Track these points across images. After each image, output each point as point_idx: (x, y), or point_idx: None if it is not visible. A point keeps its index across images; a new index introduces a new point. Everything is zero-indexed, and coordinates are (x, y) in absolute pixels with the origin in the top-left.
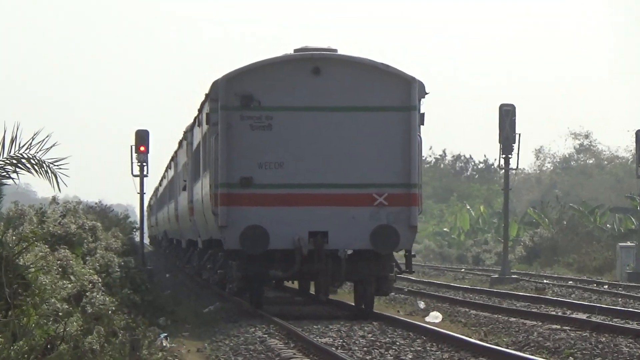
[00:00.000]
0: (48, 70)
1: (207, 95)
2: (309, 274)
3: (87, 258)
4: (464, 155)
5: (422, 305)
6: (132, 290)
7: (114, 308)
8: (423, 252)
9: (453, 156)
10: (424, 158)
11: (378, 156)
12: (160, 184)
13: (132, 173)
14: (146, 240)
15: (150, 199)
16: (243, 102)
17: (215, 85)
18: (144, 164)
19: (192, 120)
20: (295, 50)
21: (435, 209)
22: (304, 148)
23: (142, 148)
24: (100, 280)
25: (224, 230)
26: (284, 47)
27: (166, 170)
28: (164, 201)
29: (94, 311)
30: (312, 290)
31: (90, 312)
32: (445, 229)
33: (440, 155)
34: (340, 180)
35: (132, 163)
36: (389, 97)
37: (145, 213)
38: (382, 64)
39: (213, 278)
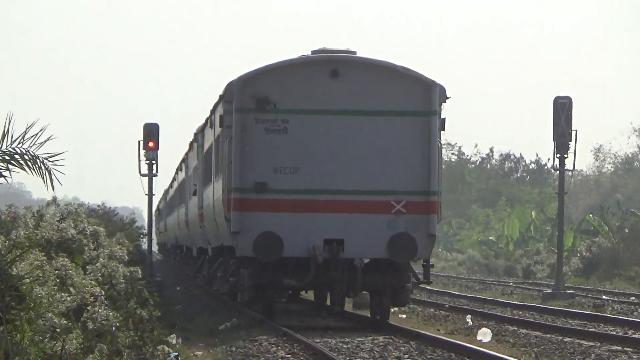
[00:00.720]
0: (46, 59)
1: (221, 97)
2: (324, 283)
3: (89, 267)
4: (514, 155)
5: (469, 321)
6: (139, 305)
7: (118, 324)
8: (467, 264)
9: (501, 155)
10: (468, 157)
11: (396, 162)
12: (170, 186)
13: (139, 172)
14: (155, 248)
15: (159, 202)
16: (258, 104)
17: (230, 86)
18: (153, 161)
19: (203, 121)
20: (313, 52)
21: (480, 214)
22: (321, 153)
23: (151, 144)
24: (103, 292)
25: (237, 236)
26: (301, 48)
27: (177, 172)
28: (174, 205)
29: (96, 327)
30: (328, 301)
31: (91, 328)
32: (491, 238)
33: (486, 155)
34: (357, 187)
35: (139, 161)
36: (408, 102)
37: (154, 217)
38: (402, 67)
39: (223, 288)
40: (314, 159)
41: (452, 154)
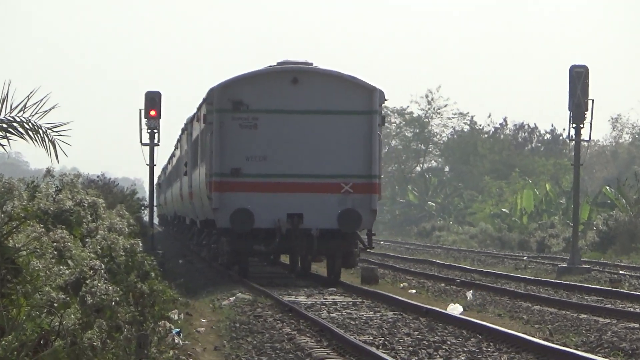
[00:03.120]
0: (44, 25)
1: (204, 100)
2: (287, 249)
3: (87, 240)
4: (528, 125)
5: (469, 296)
6: (140, 278)
7: (118, 299)
8: (479, 237)
9: (515, 125)
10: (481, 127)
11: (345, 152)
12: (169, 163)
13: (140, 141)
14: (156, 220)
15: (159, 176)
16: (234, 105)
17: (211, 91)
18: (155, 130)
19: (192, 114)
20: (278, 63)
21: (493, 186)
22: (284, 144)
23: (152, 112)
24: (102, 266)
25: (217, 212)
26: (270, 59)
27: (175, 149)
28: (173, 180)
29: (95, 302)
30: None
31: (90, 303)
32: (504, 210)
33: (500, 125)
34: (314, 172)
35: (140, 130)
36: (354, 103)
37: (155, 190)
38: (349, 75)
39: (209, 254)
40: (279, 149)
41: (464, 123)
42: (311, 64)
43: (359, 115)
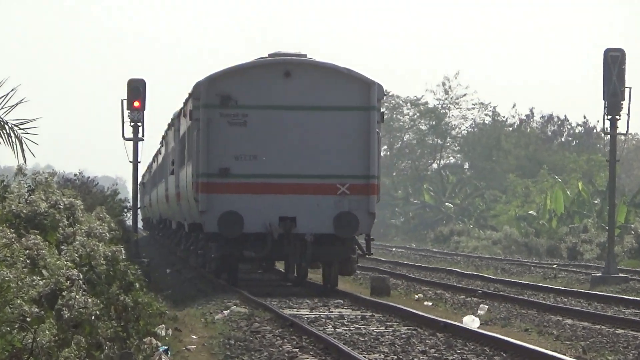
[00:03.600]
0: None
1: (190, 94)
2: (279, 255)
3: (64, 247)
4: (558, 116)
5: (482, 311)
6: (123, 290)
7: (98, 312)
8: (502, 243)
9: (543, 117)
10: (504, 119)
11: (341, 150)
12: (154, 160)
13: (123, 136)
14: (140, 224)
15: (144, 175)
16: (222, 101)
17: (197, 85)
18: (139, 123)
19: (179, 109)
20: (270, 55)
21: (518, 186)
22: (276, 142)
23: (136, 103)
24: (80, 276)
25: (204, 215)
26: (260, 50)
27: (160, 146)
28: (159, 179)
29: (73, 316)
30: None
31: (67, 317)
32: (531, 212)
33: (526, 116)
34: (308, 172)
35: (123, 123)
36: (351, 98)
37: (139, 190)
38: (345, 68)
39: (197, 261)
40: (270, 147)
41: (486, 114)
42: (305, 55)
43: (356, 111)
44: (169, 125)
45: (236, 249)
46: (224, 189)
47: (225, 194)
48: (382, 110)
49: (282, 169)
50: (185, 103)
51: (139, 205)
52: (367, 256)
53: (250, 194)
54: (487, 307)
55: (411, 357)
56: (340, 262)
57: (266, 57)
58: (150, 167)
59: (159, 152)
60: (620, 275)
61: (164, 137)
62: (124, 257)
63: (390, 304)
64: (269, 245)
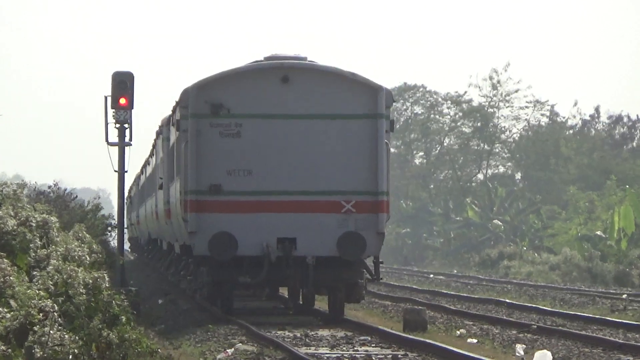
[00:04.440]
0: None
1: (177, 102)
2: (278, 280)
3: (36, 272)
4: (628, 116)
5: (521, 351)
6: (106, 324)
7: (76, 351)
8: (562, 268)
9: (610, 117)
10: (564, 120)
11: (346, 163)
12: (142, 172)
13: (106, 140)
14: (126, 245)
15: (130, 189)
16: (213, 110)
17: (185, 93)
18: (126, 125)
19: (168, 115)
20: (266, 58)
21: (581, 200)
22: (273, 155)
23: (122, 100)
24: (55, 307)
25: (193, 236)
26: (255, 53)
27: (151, 154)
28: (148, 192)
29: (46, 355)
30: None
31: (39, 356)
32: (597, 233)
33: (590, 117)
34: (309, 188)
35: (106, 124)
36: (356, 105)
37: (125, 206)
38: (350, 72)
39: (188, 286)
40: (266, 161)
41: (542, 114)
42: (305, 58)
43: (363, 120)
44: (157, 134)
45: (230, 274)
46: (216, 208)
47: (217, 213)
48: (391, 119)
49: (280, 185)
50: (173, 111)
51: (125, 223)
52: (375, 280)
53: (244, 213)
54: (524, 346)
55: None
56: (347, 288)
57: (262, 61)
58: (138, 179)
59: (147, 161)
60: None
61: (154, 146)
62: (107, 285)
63: (427, 341)
64: (266, 270)
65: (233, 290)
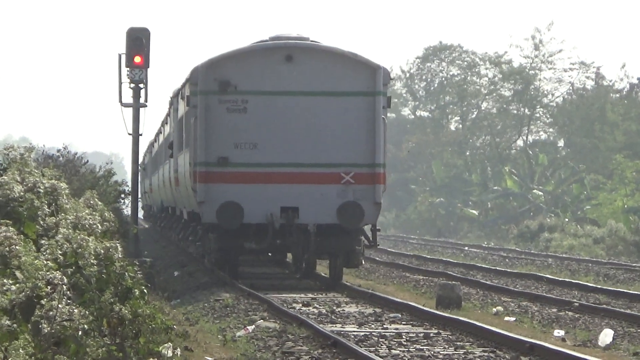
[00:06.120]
0: None
1: (187, 79)
2: (281, 246)
3: (44, 241)
4: None
5: (608, 337)
6: (118, 298)
7: (86, 327)
8: (606, 242)
9: None
10: (611, 83)
11: (345, 138)
12: (155, 140)
13: (120, 100)
14: (140, 213)
15: (144, 155)
16: (221, 87)
17: (195, 71)
18: (141, 85)
19: (179, 87)
20: (271, 38)
21: (628, 169)
22: (277, 130)
23: (137, 59)
24: (64, 279)
25: (202, 205)
26: (261, 34)
27: (164, 122)
28: (161, 159)
29: (54, 331)
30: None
31: (47, 332)
32: None
33: (638, 79)
34: (310, 160)
35: (120, 84)
36: (355, 83)
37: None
38: (350, 52)
39: (196, 251)
40: (270, 135)
41: (587, 77)
42: (307, 38)
43: (361, 97)
44: (170, 103)
45: (236, 240)
46: (223, 179)
47: (224, 183)
48: (388, 96)
49: (284, 157)
50: (183, 86)
51: (139, 191)
52: (372, 247)
53: (250, 184)
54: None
55: None
56: (345, 254)
57: (267, 41)
58: (151, 145)
59: (160, 130)
60: None
61: (167, 115)
62: (120, 256)
63: (462, 319)
64: (270, 237)
65: (239, 256)
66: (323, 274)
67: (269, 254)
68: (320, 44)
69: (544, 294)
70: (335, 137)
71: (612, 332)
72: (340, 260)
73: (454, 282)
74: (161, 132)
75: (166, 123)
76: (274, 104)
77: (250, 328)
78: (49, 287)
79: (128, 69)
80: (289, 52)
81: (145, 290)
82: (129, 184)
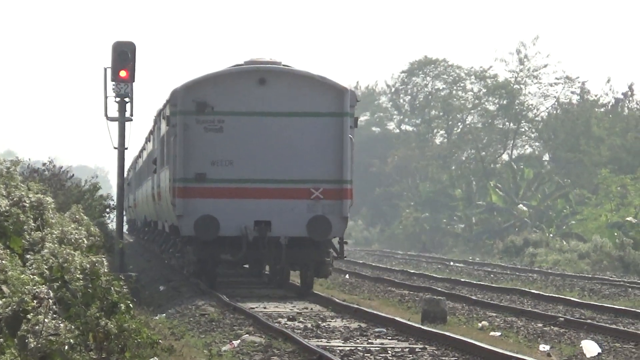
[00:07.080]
0: None
1: (167, 100)
2: (255, 257)
3: (30, 256)
4: None
5: (594, 347)
6: (104, 312)
7: (72, 341)
8: (591, 257)
9: None
10: (596, 98)
11: (315, 155)
12: (139, 156)
13: (105, 114)
14: (125, 228)
15: (129, 170)
16: (198, 107)
17: (174, 92)
18: (127, 99)
19: (161, 106)
20: (245, 62)
21: (613, 184)
22: (251, 148)
23: (123, 73)
24: (50, 293)
25: (181, 219)
26: (236, 58)
27: (147, 140)
28: (145, 174)
29: (40, 345)
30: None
31: (33, 346)
32: (629, 219)
33: (623, 94)
34: (282, 176)
35: (106, 98)
36: (324, 104)
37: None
38: (319, 75)
39: (177, 262)
40: (245, 153)
41: (572, 92)
42: (279, 63)
43: (330, 117)
44: (154, 121)
45: (213, 252)
46: (200, 194)
47: (202, 198)
48: (355, 116)
49: (258, 174)
50: (164, 107)
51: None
52: (340, 259)
53: (226, 199)
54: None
55: None
56: (315, 265)
57: (242, 65)
58: (135, 161)
59: (144, 147)
60: None
61: (151, 132)
62: (105, 270)
63: (447, 334)
64: (245, 249)
65: (216, 267)
66: (297, 283)
67: (245, 265)
68: (292, 67)
69: (530, 309)
70: (306, 155)
71: (594, 342)
72: (311, 271)
73: (439, 297)
74: (145, 149)
75: (149, 140)
76: (249, 123)
77: (236, 342)
78: (35, 301)
79: (114, 82)
80: (262, 75)
81: (131, 305)
82: (114, 198)
